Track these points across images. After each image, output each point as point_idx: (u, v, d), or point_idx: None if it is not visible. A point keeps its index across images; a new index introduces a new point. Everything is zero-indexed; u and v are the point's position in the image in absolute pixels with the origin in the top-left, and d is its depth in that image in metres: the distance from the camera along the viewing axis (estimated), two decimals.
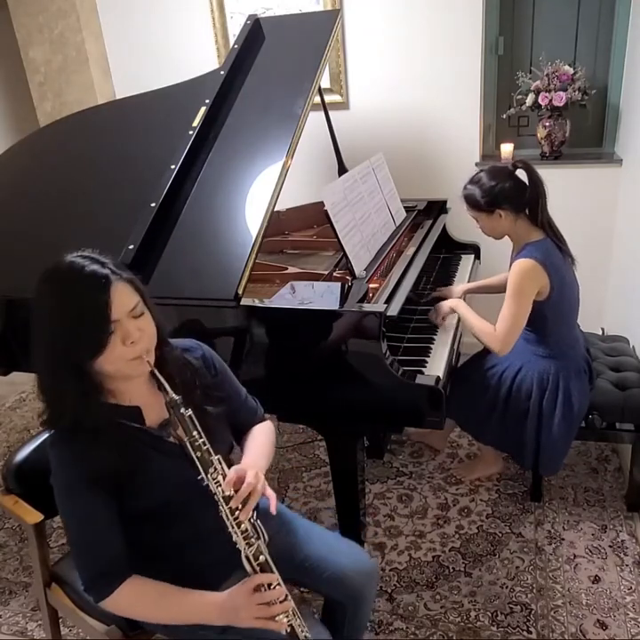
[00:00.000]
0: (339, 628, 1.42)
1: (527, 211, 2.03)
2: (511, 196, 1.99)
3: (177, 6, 3.22)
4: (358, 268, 2.04)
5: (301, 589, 1.89)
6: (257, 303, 1.85)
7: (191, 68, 2.53)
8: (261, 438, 1.42)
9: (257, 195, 2.00)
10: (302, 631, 1.21)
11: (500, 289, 2.38)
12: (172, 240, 1.99)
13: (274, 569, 1.18)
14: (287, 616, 1.17)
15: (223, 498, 1.14)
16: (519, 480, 2.45)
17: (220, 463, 1.16)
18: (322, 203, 2.03)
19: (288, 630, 1.18)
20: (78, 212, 2.20)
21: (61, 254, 1.16)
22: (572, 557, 2.08)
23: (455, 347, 2.12)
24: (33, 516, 1.43)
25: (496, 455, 2.45)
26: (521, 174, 2.03)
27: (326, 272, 2.17)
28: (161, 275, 1.92)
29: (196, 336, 1.43)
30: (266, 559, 1.17)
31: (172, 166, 2.10)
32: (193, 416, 1.14)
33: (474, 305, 2.38)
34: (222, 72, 2.33)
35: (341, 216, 2.08)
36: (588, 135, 3.11)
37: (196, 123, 2.19)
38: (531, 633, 1.83)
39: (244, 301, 1.83)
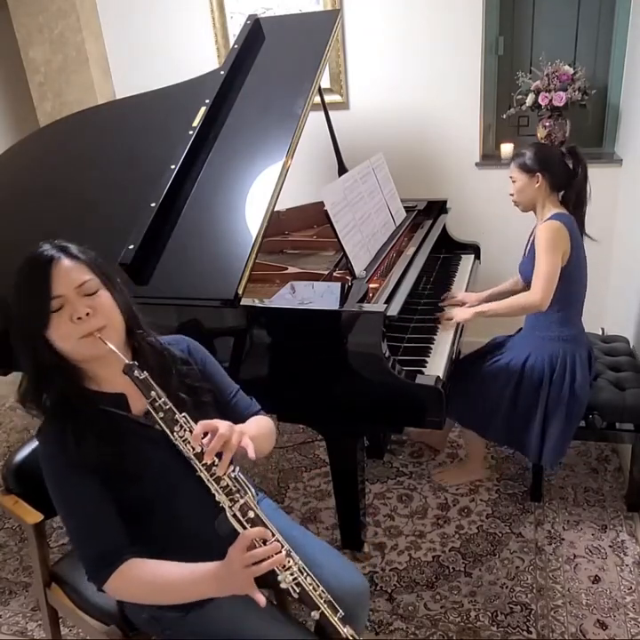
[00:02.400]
0: None
1: (563, 194, 2.12)
2: (555, 170, 2.08)
3: (177, 6, 3.22)
4: (358, 268, 2.04)
5: None
6: (257, 303, 1.85)
7: (191, 68, 2.53)
8: (257, 420, 1.37)
9: (257, 195, 2.00)
10: (316, 589, 1.13)
11: (505, 296, 2.40)
12: (172, 240, 1.99)
13: (266, 523, 1.12)
14: (292, 574, 1.10)
15: (195, 455, 1.11)
16: (519, 480, 2.44)
17: (188, 421, 1.13)
18: (322, 203, 2.03)
19: (297, 590, 1.10)
20: (78, 211, 2.20)
21: None
22: (572, 557, 2.08)
23: (455, 347, 2.12)
24: (33, 516, 1.43)
25: (481, 463, 2.44)
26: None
27: (326, 272, 2.17)
28: (161, 275, 1.92)
29: (196, 336, 1.42)
30: (256, 514, 1.11)
31: (172, 166, 2.10)
32: (148, 378, 1.11)
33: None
34: (222, 72, 2.33)
35: (341, 216, 2.08)
36: (588, 135, 3.11)
37: (195, 123, 2.20)
38: (531, 633, 1.83)
39: (244, 301, 1.83)
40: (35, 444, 1.51)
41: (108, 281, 1.20)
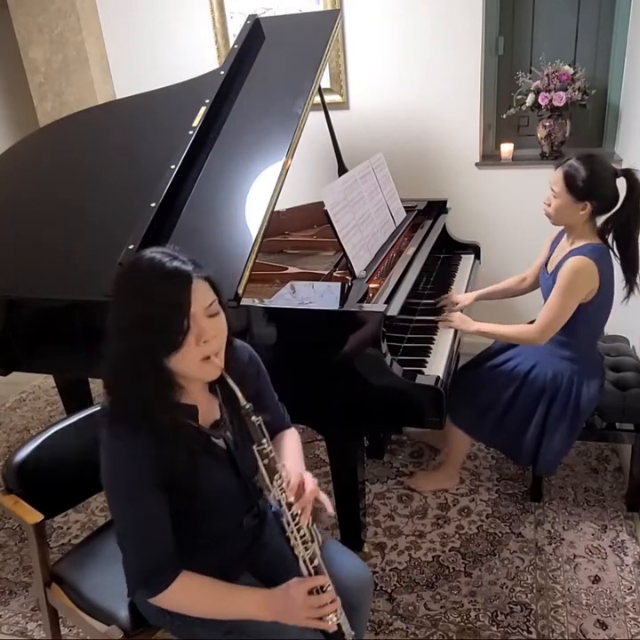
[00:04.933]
0: None
1: (601, 221, 1.96)
2: (605, 198, 1.90)
3: (177, 6, 3.22)
4: (358, 268, 2.04)
5: None
6: (257, 303, 1.85)
7: (191, 68, 2.53)
8: (294, 445, 1.42)
9: (257, 195, 2.00)
10: (348, 629, 1.25)
11: (504, 294, 2.40)
12: (172, 240, 1.99)
13: (325, 572, 1.21)
14: (336, 616, 1.20)
15: (287, 504, 1.17)
16: (519, 480, 2.44)
17: (284, 468, 1.20)
18: (322, 203, 2.03)
19: (335, 628, 1.20)
20: (78, 211, 2.20)
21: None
22: (572, 557, 2.08)
23: (455, 347, 2.12)
24: (33, 516, 1.43)
25: (456, 471, 2.42)
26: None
27: (326, 272, 2.17)
28: None
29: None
30: (319, 562, 1.20)
31: (172, 166, 2.10)
32: (262, 424, 1.15)
33: (474, 312, 2.39)
34: (222, 72, 2.33)
35: (341, 216, 2.08)
36: (587, 135, 3.11)
37: (195, 123, 2.19)
38: (531, 633, 1.83)
39: (244, 301, 1.83)
40: (35, 443, 1.51)
41: (221, 298, 1.18)
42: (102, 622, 1.40)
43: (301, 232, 2.76)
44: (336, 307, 1.84)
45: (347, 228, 2.08)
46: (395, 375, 1.75)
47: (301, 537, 1.18)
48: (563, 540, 2.15)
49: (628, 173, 1.90)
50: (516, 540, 2.17)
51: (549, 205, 1.98)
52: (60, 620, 1.63)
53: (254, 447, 1.15)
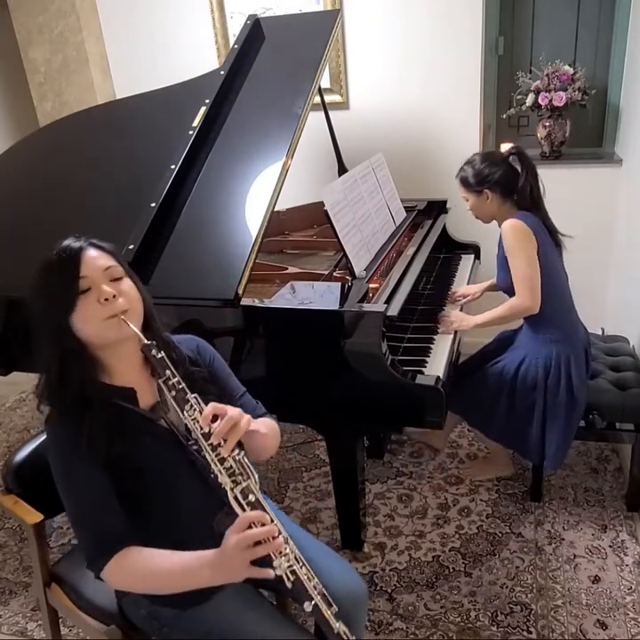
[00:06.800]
0: None
1: (516, 197, 2.10)
2: (500, 180, 2.08)
3: (177, 6, 3.22)
4: (358, 268, 2.04)
5: None
6: (257, 303, 1.85)
7: (191, 68, 2.53)
8: (262, 420, 1.36)
9: (257, 195, 2.00)
10: (310, 580, 1.09)
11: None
12: (173, 240, 1.99)
13: (266, 508, 1.10)
14: (288, 561, 1.07)
15: (202, 434, 1.11)
16: (519, 480, 2.44)
17: (198, 402, 1.14)
18: (322, 203, 2.03)
19: (291, 578, 1.06)
20: (79, 211, 2.20)
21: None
22: (572, 557, 2.08)
23: (455, 347, 2.12)
24: (33, 516, 1.43)
25: (508, 458, 2.43)
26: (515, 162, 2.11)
27: (326, 272, 2.17)
28: (161, 274, 1.92)
29: (197, 336, 1.42)
30: (257, 498, 1.09)
31: (172, 166, 2.10)
32: (165, 358, 1.14)
33: (473, 311, 2.39)
34: (222, 72, 2.33)
35: (341, 216, 2.08)
36: (587, 135, 3.11)
37: (196, 123, 2.20)
38: (531, 633, 1.83)
39: (244, 301, 1.83)
40: (35, 443, 1.52)
41: (131, 273, 1.25)
42: (102, 622, 1.40)
43: (301, 232, 2.76)
44: (336, 307, 1.84)
45: (347, 228, 2.08)
46: (395, 375, 1.75)
47: (226, 469, 1.09)
48: (563, 539, 2.15)
49: (517, 151, 2.10)
50: (516, 539, 2.17)
51: (471, 210, 2.20)
52: (60, 620, 1.63)
53: (160, 381, 1.13)
